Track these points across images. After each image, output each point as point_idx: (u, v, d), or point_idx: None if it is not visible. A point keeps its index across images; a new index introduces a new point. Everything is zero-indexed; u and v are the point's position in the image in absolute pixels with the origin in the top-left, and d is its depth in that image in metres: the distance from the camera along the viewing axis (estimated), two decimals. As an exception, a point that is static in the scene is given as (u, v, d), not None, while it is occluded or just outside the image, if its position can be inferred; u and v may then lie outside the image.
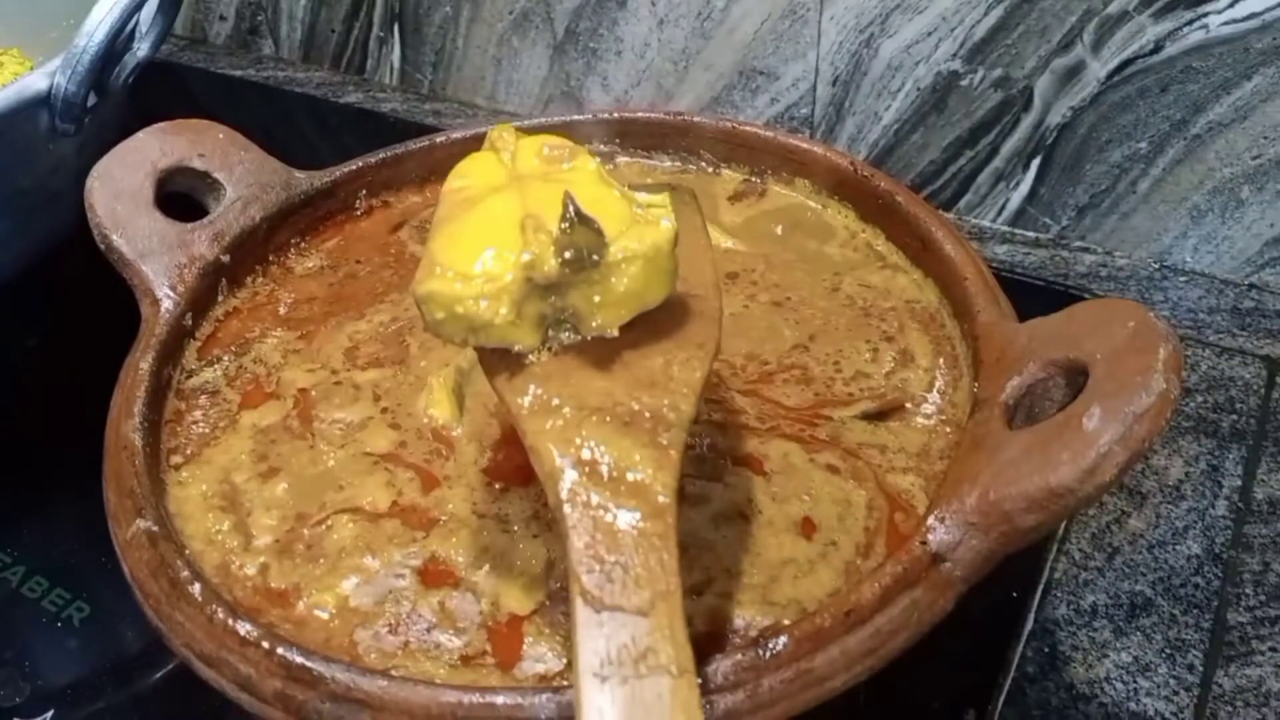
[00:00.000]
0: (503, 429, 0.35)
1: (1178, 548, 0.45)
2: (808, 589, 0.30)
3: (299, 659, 0.27)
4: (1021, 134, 0.61)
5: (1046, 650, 0.42)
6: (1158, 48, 0.55)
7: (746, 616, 0.29)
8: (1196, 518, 0.47)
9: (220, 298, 0.41)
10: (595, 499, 0.25)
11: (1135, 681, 0.41)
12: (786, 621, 0.29)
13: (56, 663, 0.43)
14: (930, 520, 0.28)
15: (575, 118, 0.47)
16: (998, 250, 0.63)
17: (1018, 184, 0.63)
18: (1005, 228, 0.64)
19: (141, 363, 0.36)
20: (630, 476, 0.25)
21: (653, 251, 0.26)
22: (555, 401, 0.26)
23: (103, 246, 0.39)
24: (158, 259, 0.39)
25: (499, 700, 0.26)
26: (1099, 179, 0.60)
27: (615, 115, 0.47)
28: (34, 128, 0.52)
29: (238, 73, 0.89)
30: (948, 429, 0.34)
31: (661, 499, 0.25)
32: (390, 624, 0.30)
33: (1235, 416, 0.51)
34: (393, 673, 0.28)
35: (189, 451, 0.36)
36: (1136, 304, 0.29)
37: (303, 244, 0.44)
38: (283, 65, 0.90)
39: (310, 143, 0.82)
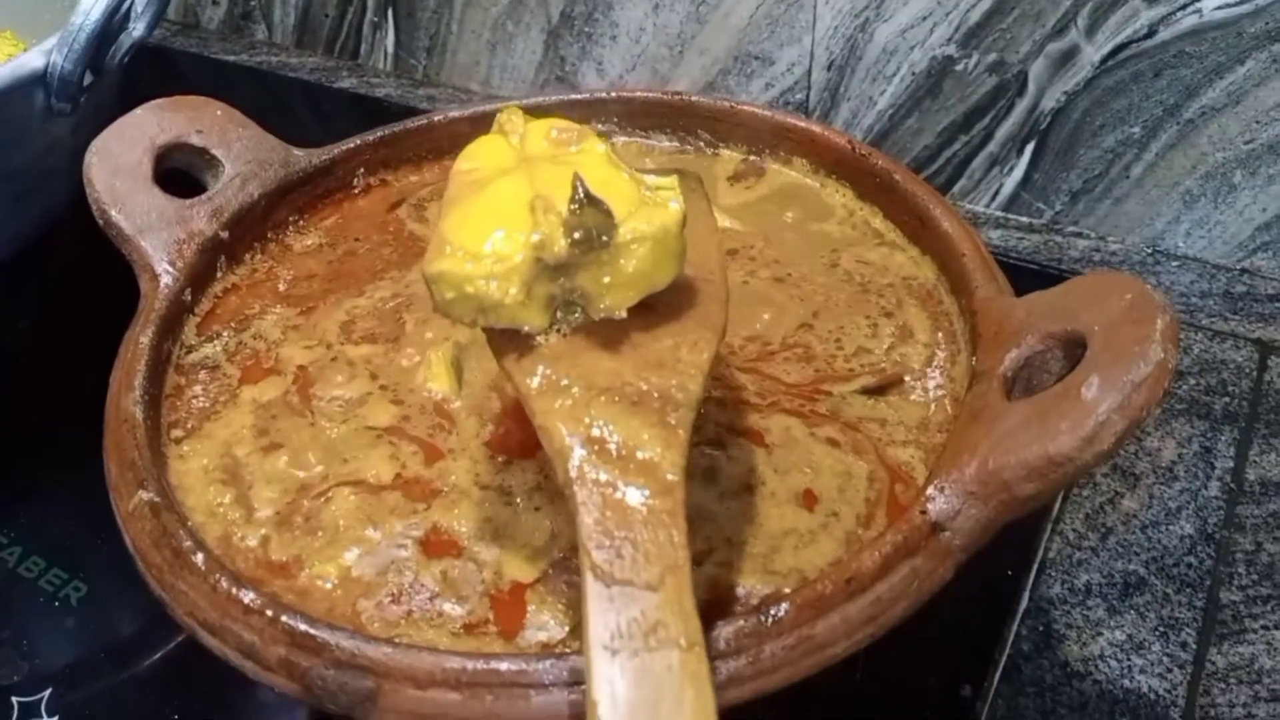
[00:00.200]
0: (503, 402, 0.35)
1: (1171, 528, 0.46)
2: (809, 558, 0.30)
3: (303, 626, 0.27)
4: (1016, 119, 0.62)
5: (1041, 628, 0.42)
6: (1151, 32, 0.56)
7: (748, 585, 0.29)
8: (1189, 498, 0.47)
9: (219, 274, 0.41)
10: (604, 476, 0.25)
11: (1129, 659, 0.41)
12: (788, 589, 0.29)
13: (54, 642, 0.44)
14: (930, 490, 0.29)
15: (573, 97, 0.47)
16: (992, 235, 0.63)
17: (1012, 169, 0.63)
18: (999, 213, 0.65)
19: (141, 337, 0.36)
20: (639, 455, 0.25)
21: (661, 233, 0.27)
22: (564, 381, 0.27)
23: (101, 222, 0.39)
24: (157, 234, 0.39)
25: (503, 666, 0.26)
26: (1092, 164, 0.61)
27: (614, 95, 0.47)
28: (30, 106, 0.52)
29: (231, 58, 0.89)
30: (947, 402, 0.35)
31: (670, 477, 0.25)
32: (393, 593, 0.30)
33: (1227, 399, 0.51)
34: (396, 640, 0.28)
35: (189, 426, 0.36)
36: (1133, 277, 0.29)
37: (301, 221, 0.44)
38: (276, 50, 0.89)
39: (304, 128, 0.82)
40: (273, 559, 0.31)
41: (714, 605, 0.29)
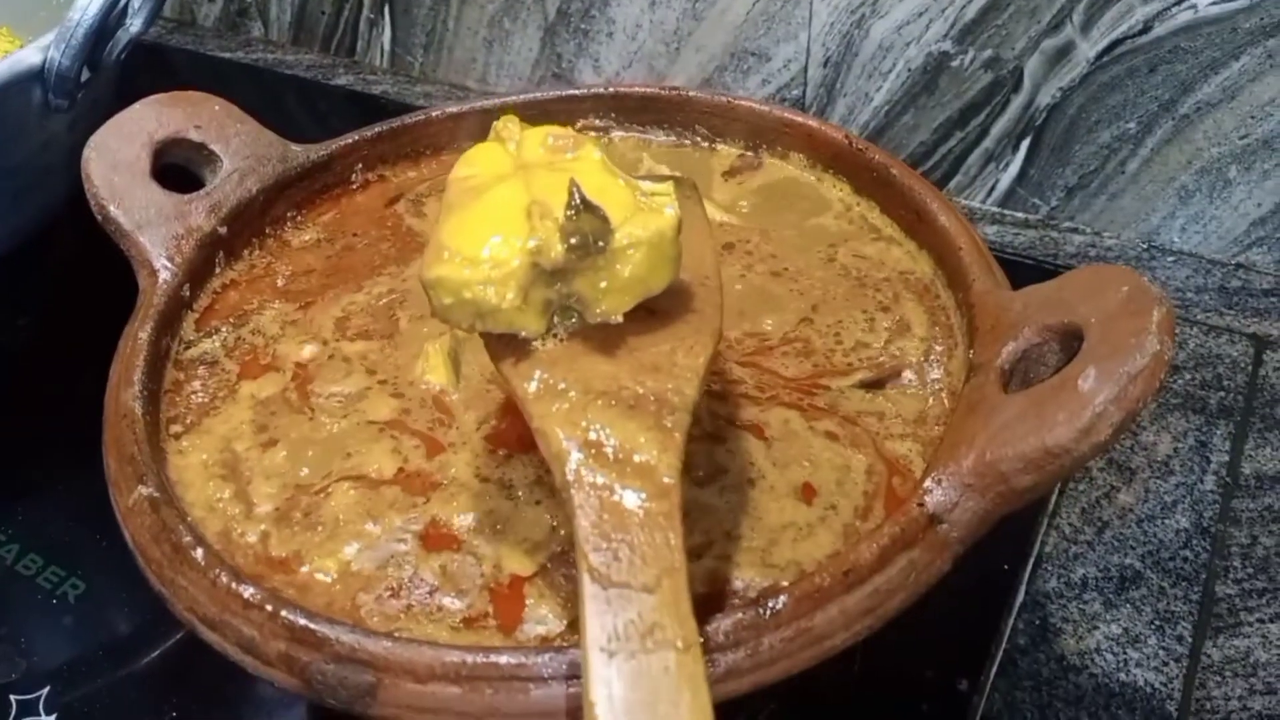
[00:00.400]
0: (504, 395, 0.35)
1: (1166, 522, 0.46)
2: (807, 551, 0.30)
3: (303, 621, 0.27)
4: (1011, 115, 0.62)
5: (1037, 622, 0.42)
6: (1146, 28, 0.56)
7: (746, 578, 0.30)
8: (1185, 492, 0.47)
9: (218, 269, 0.41)
10: (601, 479, 0.25)
11: (1125, 653, 0.41)
12: (786, 582, 0.29)
13: (52, 640, 0.44)
14: (927, 482, 0.29)
15: (571, 92, 0.48)
16: (988, 231, 0.63)
17: (1007, 165, 0.63)
18: (995, 208, 0.65)
19: (140, 332, 0.36)
20: (636, 458, 0.26)
21: (657, 238, 0.27)
22: (561, 386, 0.27)
23: (100, 217, 0.39)
24: (155, 230, 0.39)
25: (502, 660, 0.26)
26: (1088, 159, 0.61)
27: (611, 90, 0.47)
28: (27, 103, 0.52)
29: (227, 55, 0.89)
30: (944, 396, 0.35)
31: (666, 479, 0.25)
32: (392, 588, 0.30)
33: (1223, 393, 0.52)
34: (396, 634, 0.28)
35: (189, 421, 0.36)
36: (1129, 269, 0.29)
37: (299, 217, 0.44)
38: (272, 47, 0.89)
39: (300, 126, 0.81)
40: (272, 554, 0.31)
41: (712, 598, 0.29)
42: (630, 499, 0.25)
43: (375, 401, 0.36)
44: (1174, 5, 0.55)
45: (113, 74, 0.58)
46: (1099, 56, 0.58)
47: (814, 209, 0.43)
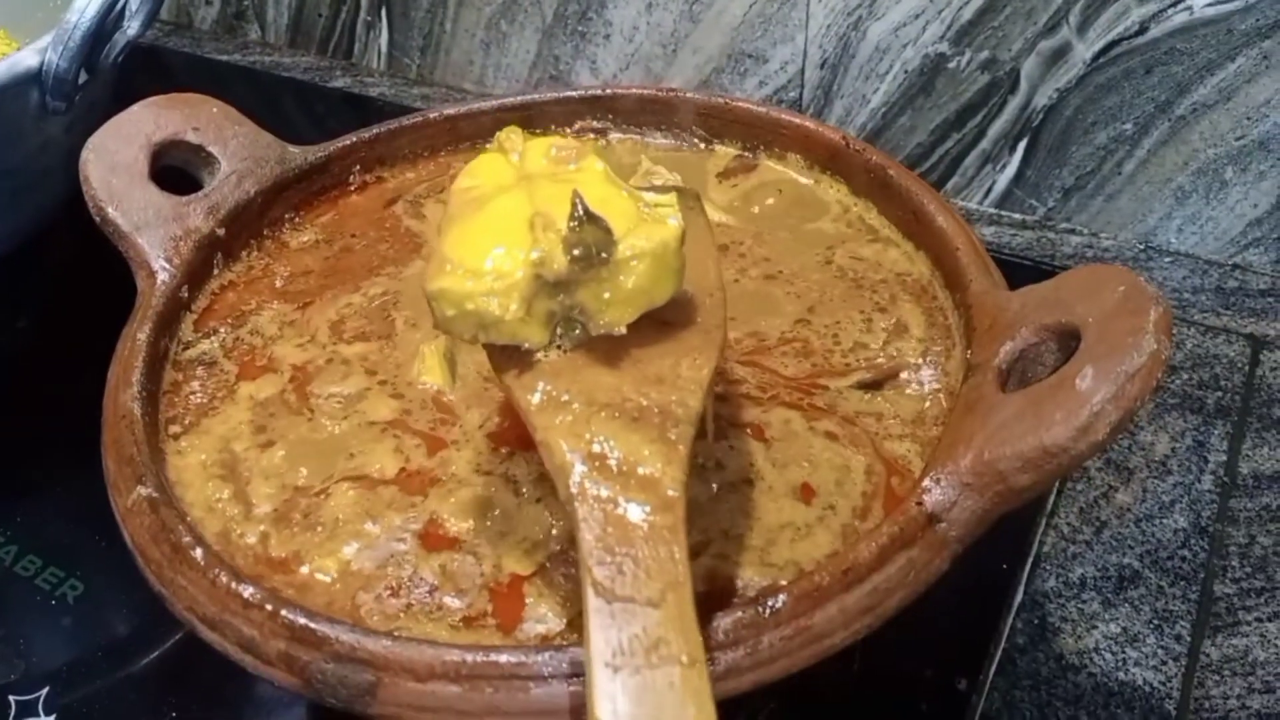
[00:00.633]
0: (502, 394, 0.36)
1: (1165, 521, 0.46)
2: (805, 550, 0.30)
3: (302, 620, 0.27)
4: (1008, 116, 0.62)
5: (1036, 621, 0.42)
6: (1142, 29, 0.56)
7: (745, 577, 0.30)
8: (1183, 492, 0.47)
9: (216, 271, 0.41)
10: (605, 492, 0.25)
11: (1124, 652, 0.41)
12: (784, 581, 0.29)
13: (50, 641, 0.43)
14: (926, 481, 0.29)
15: (568, 94, 0.48)
16: (985, 232, 0.63)
17: (1004, 166, 0.63)
18: (992, 210, 0.65)
19: (139, 334, 0.36)
20: (640, 471, 0.25)
21: (660, 249, 0.27)
22: (564, 397, 0.27)
23: (98, 219, 0.39)
24: (153, 231, 0.39)
25: (502, 659, 0.26)
26: (1085, 161, 0.61)
27: (608, 92, 0.47)
28: (24, 105, 0.52)
29: (224, 57, 0.89)
30: (942, 396, 0.35)
31: (671, 493, 0.25)
32: (392, 587, 0.30)
33: (1220, 393, 0.52)
34: (396, 633, 0.28)
35: (187, 421, 0.36)
36: (1126, 269, 0.30)
37: (297, 218, 0.44)
38: (269, 50, 0.89)
39: (298, 128, 0.81)
40: (272, 554, 0.32)
41: (711, 597, 0.29)
42: (634, 512, 0.25)
43: (375, 402, 0.36)
44: (1170, 7, 0.55)
45: (110, 76, 0.58)
46: (1095, 58, 0.58)
47: (811, 210, 0.43)
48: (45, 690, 0.41)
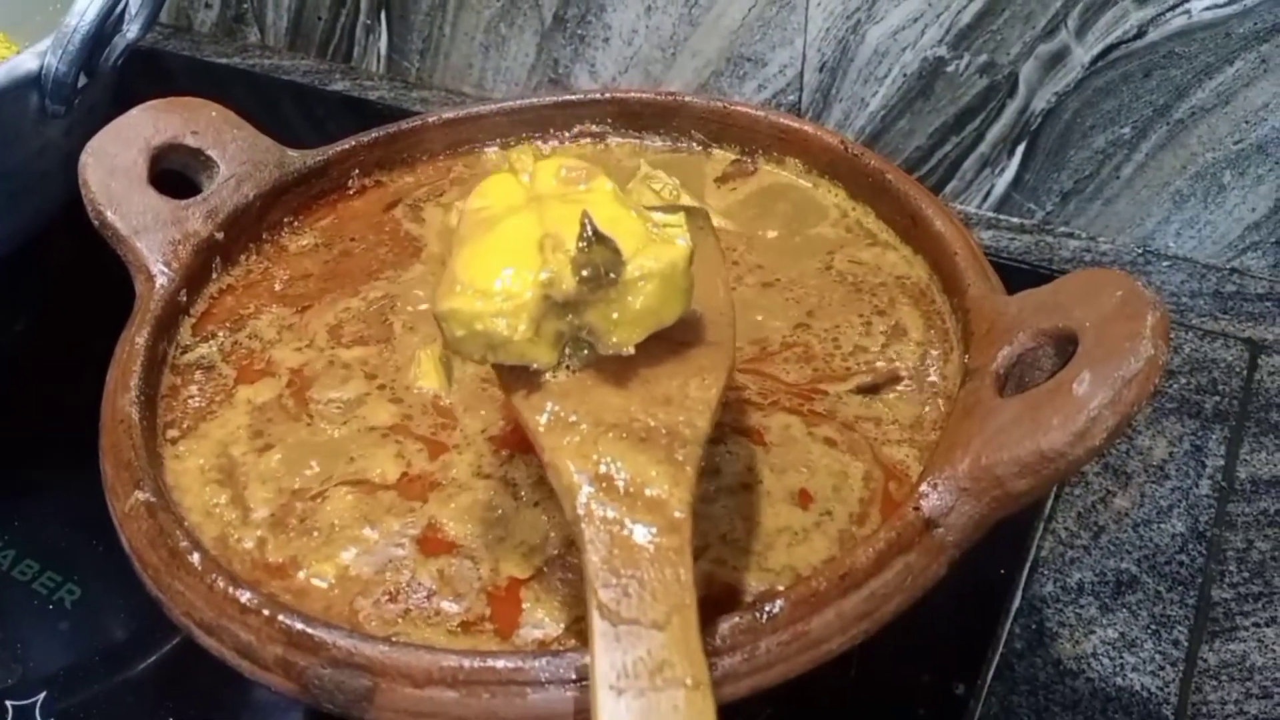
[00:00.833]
0: (501, 397, 0.36)
1: (1162, 526, 0.46)
2: (802, 556, 0.30)
3: (300, 625, 0.27)
4: (1006, 120, 0.62)
5: (1034, 627, 0.42)
6: (1141, 33, 0.56)
7: (742, 582, 0.30)
8: (1181, 496, 0.47)
9: (214, 275, 0.41)
10: (611, 514, 0.25)
11: (1121, 657, 0.41)
12: (783, 586, 0.29)
13: (48, 645, 0.43)
14: (923, 486, 0.29)
15: (567, 97, 0.48)
16: (983, 236, 0.63)
17: (1003, 170, 0.63)
18: (990, 213, 0.65)
19: (137, 338, 0.36)
20: (647, 492, 0.25)
21: (669, 269, 0.27)
22: (572, 418, 0.27)
23: (96, 223, 0.39)
24: (152, 235, 0.39)
25: (499, 664, 0.26)
26: (1083, 164, 0.61)
27: (607, 95, 0.47)
28: (24, 108, 0.52)
29: (223, 60, 0.89)
30: (940, 401, 0.35)
31: (678, 514, 0.25)
32: (390, 592, 0.30)
33: (1218, 398, 0.52)
34: (393, 639, 0.28)
35: (185, 426, 0.36)
36: (1124, 273, 0.30)
37: (296, 222, 0.44)
38: (269, 53, 0.89)
39: (297, 131, 0.82)
40: (269, 560, 0.32)
41: (708, 602, 0.29)
42: (641, 534, 0.25)
43: (375, 407, 0.36)
44: (1168, 10, 0.55)
45: (109, 79, 0.58)
46: (1094, 62, 0.58)
47: (809, 214, 0.43)
48: (42, 695, 0.41)
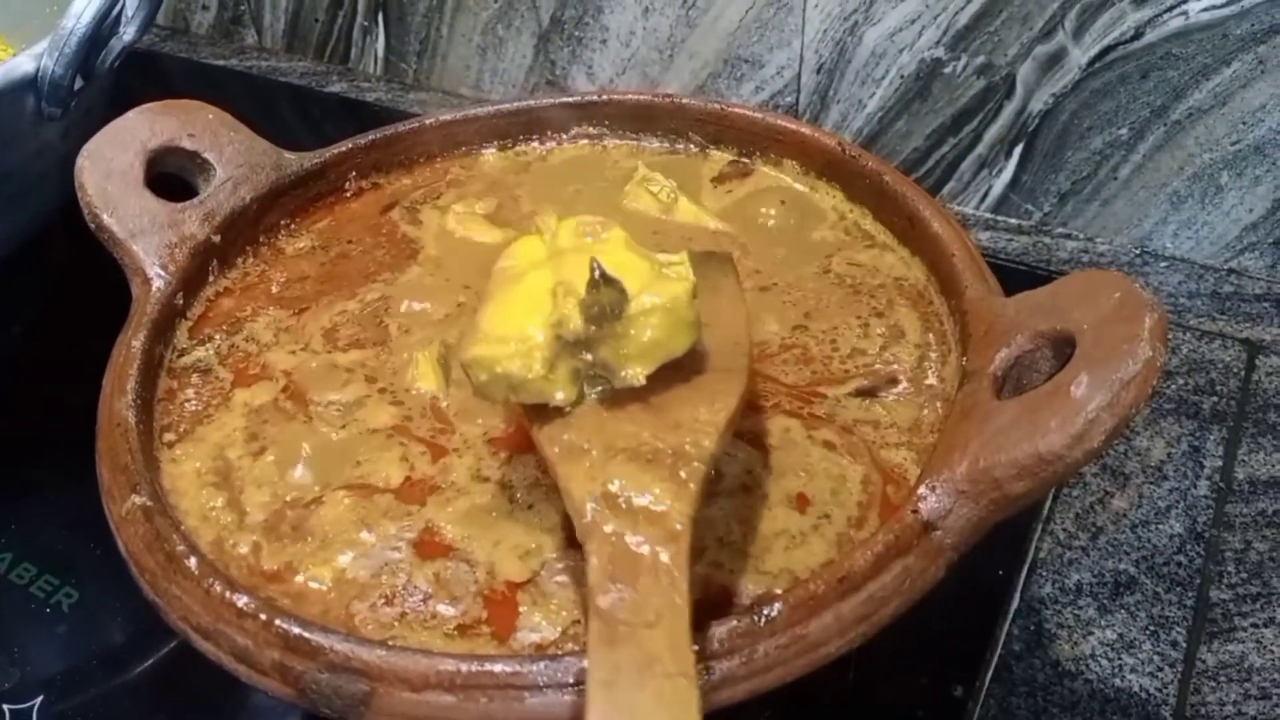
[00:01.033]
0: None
1: (1160, 527, 0.46)
2: (800, 559, 0.30)
3: (297, 629, 0.27)
4: (1004, 121, 0.62)
5: (1032, 628, 0.42)
6: (1138, 34, 0.56)
7: (739, 585, 0.30)
8: (1179, 497, 0.47)
9: (211, 278, 0.41)
10: (613, 527, 0.26)
11: (1120, 658, 0.41)
12: (779, 589, 0.29)
13: (46, 649, 0.43)
14: (921, 489, 0.29)
15: (565, 99, 0.48)
16: (981, 237, 0.63)
17: (1000, 171, 0.63)
18: (988, 214, 0.65)
19: (134, 341, 0.36)
20: (649, 507, 0.27)
21: (672, 302, 0.28)
22: (585, 445, 0.28)
23: (93, 226, 0.39)
24: (148, 238, 0.39)
25: (497, 668, 0.26)
26: (1080, 165, 0.61)
27: (604, 97, 0.47)
28: (20, 111, 0.52)
29: (220, 62, 0.89)
30: (938, 403, 0.35)
31: (677, 526, 0.26)
32: (386, 595, 0.30)
33: (1216, 398, 0.52)
34: (390, 642, 0.28)
35: (182, 429, 0.36)
36: (1121, 275, 0.30)
37: (293, 225, 0.44)
38: (266, 55, 0.89)
39: (294, 133, 0.82)
40: (265, 563, 0.31)
41: (705, 604, 0.29)
42: (640, 544, 0.26)
43: (375, 409, 0.36)
44: (1165, 12, 0.55)
45: (106, 82, 0.58)
46: (1091, 63, 0.58)
47: (806, 216, 0.43)
48: (40, 699, 0.41)
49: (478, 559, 0.31)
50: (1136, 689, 0.40)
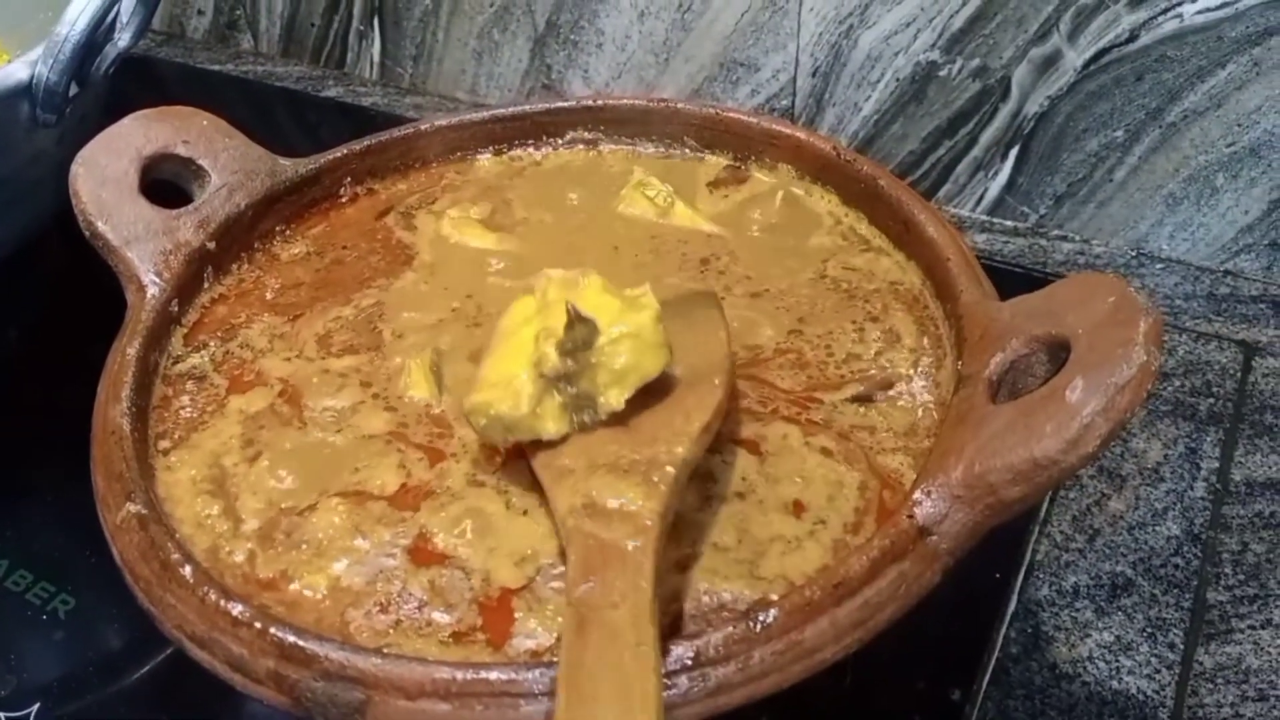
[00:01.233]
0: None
1: (1157, 529, 0.46)
2: (795, 564, 0.30)
3: (291, 638, 0.27)
4: (999, 123, 0.62)
5: (1030, 631, 0.42)
6: (1133, 36, 0.56)
7: (734, 590, 0.30)
8: (1175, 499, 0.47)
9: (206, 284, 0.41)
10: (590, 528, 0.29)
11: (1117, 660, 0.41)
12: (775, 595, 0.29)
13: (42, 656, 0.43)
14: (917, 494, 0.29)
15: (560, 104, 0.48)
16: (977, 239, 0.63)
17: (996, 173, 0.63)
18: (984, 217, 0.65)
19: (128, 349, 0.36)
20: (623, 508, 0.29)
21: (638, 329, 0.31)
22: (572, 466, 0.31)
23: (88, 233, 0.39)
24: (143, 245, 0.39)
25: (492, 676, 0.26)
26: (1076, 168, 0.61)
27: (599, 102, 0.47)
28: (14, 118, 0.52)
29: (216, 67, 0.89)
30: (933, 408, 0.35)
31: (647, 522, 0.28)
32: (381, 603, 0.30)
33: (1212, 400, 0.52)
34: (385, 650, 0.28)
35: (177, 436, 0.36)
36: (1116, 278, 0.30)
37: (288, 231, 0.44)
38: (262, 60, 0.89)
39: (290, 138, 0.82)
40: (260, 571, 0.31)
41: (699, 611, 0.29)
42: (611, 538, 0.28)
43: (369, 415, 0.36)
44: (1160, 14, 0.55)
45: (101, 88, 0.58)
46: (1086, 65, 0.58)
47: (802, 221, 0.43)
48: (36, 706, 0.41)
49: (473, 566, 0.31)
50: (1134, 691, 0.40)
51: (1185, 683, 0.41)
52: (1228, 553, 0.45)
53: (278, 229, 0.44)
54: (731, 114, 0.46)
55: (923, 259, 0.39)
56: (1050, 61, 0.59)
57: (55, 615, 0.44)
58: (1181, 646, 0.42)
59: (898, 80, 0.63)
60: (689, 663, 0.26)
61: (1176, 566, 0.44)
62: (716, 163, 0.46)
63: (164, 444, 0.35)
